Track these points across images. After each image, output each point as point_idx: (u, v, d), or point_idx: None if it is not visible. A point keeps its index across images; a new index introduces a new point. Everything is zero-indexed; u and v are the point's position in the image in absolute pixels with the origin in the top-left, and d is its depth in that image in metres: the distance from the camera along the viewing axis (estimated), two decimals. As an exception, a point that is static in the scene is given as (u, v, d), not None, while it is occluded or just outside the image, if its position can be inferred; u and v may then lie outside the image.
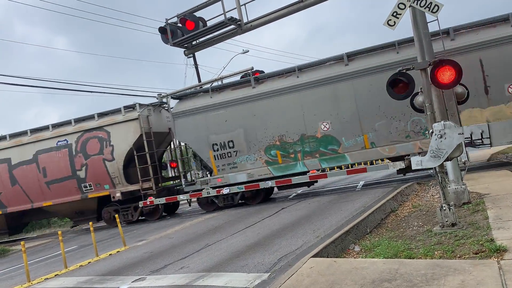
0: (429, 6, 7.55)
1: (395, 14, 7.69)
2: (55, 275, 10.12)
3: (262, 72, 17.72)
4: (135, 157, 17.73)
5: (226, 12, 13.26)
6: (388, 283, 5.11)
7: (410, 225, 8.44)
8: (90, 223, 13.16)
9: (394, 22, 7.68)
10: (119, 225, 13.10)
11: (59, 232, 11.59)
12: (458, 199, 9.01)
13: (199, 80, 27.49)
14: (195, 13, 13.67)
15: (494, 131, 8.25)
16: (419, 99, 8.55)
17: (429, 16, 8.53)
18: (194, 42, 14.53)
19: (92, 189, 18.43)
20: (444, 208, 7.35)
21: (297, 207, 13.74)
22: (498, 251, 5.59)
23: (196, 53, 25.89)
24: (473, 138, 8.33)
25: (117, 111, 18.35)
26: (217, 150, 16.42)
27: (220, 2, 13.28)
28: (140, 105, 18.04)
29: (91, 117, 18.54)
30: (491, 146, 8.29)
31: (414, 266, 5.56)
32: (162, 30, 13.87)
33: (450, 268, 5.23)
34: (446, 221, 7.34)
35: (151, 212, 18.37)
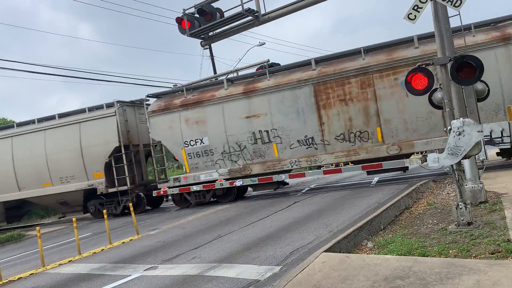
0: (451, 0, 7.38)
1: (416, 7, 7.54)
2: (69, 261, 10.27)
3: (278, 64, 17.64)
4: None
5: (244, 3, 13.17)
6: (401, 281, 5.05)
7: (425, 223, 8.33)
8: (104, 211, 13.28)
9: (415, 16, 7.53)
10: (132, 213, 13.22)
11: (74, 219, 11.75)
12: (475, 198, 8.86)
13: (215, 72, 27.49)
14: (212, 4, 13.62)
15: (516, 130, 8.08)
16: (438, 95, 8.39)
17: (450, 11, 8.36)
18: (210, 33, 14.49)
19: None
20: (460, 207, 7.23)
21: (310, 201, 13.70)
22: (516, 252, 5.48)
23: (212, 45, 25.90)
24: (493, 137, 8.13)
25: None
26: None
27: (238, -7, 13.20)
28: None
29: None
30: (511, 146, 8.07)
31: (428, 264, 5.48)
32: (179, 21, 13.85)
33: (465, 268, 5.14)
34: (462, 220, 7.22)
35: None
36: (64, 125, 19.31)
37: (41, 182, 19.67)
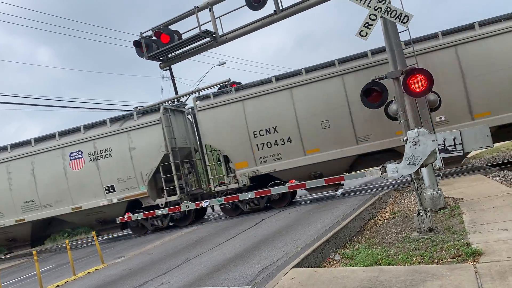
0: (399, 16, 7.75)
1: (366, 25, 7.85)
2: (31, 297, 9.81)
3: (239, 83, 17.80)
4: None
5: (201, 25, 13.29)
6: (369, 291, 5.14)
7: (389, 232, 8.53)
8: (67, 241, 12.83)
9: (366, 32, 7.84)
10: (96, 242, 12.83)
11: (34, 252, 11.27)
12: (435, 205, 9.17)
13: (176, 93, 27.40)
14: (170, 26, 13.67)
15: (466, 137, 8.42)
16: (393, 107, 8.72)
17: (400, 26, 8.75)
18: (169, 55, 14.50)
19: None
20: (421, 214, 7.47)
21: (278, 218, 13.73)
22: (474, 254, 5.70)
23: (173, 66, 25.85)
24: (446, 144, 8.51)
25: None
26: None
27: (195, 15, 13.32)
28: None
29: None
30: (463, 152, 8.46)
31: (394, 273, 5.61)
32: (137, 44, 13.80)
33: (428, 274, 5.30)
34: (424, 227, 7.45)
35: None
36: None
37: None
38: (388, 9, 7.75)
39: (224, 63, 31.17)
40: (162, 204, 16.96)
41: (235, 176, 16.22)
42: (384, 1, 7.75)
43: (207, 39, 13.53)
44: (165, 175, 16.87)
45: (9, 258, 21.60)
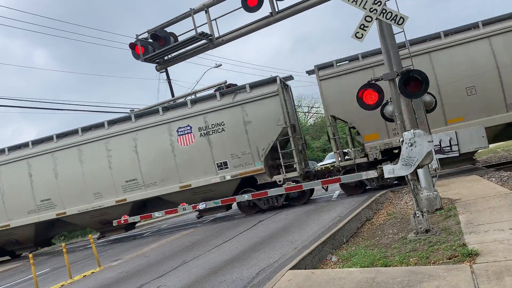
0: (395, 18, 7.77)
1: (362, 26, 7.87)
2: (27, 301, 9.77)
3: (235, 85, 17.81)
4: None
5: (197, 27, 13.30)
6: (366, 293, 5.14)
7: (386, 233, 8.55)
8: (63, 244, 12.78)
9: (362, 34, 7.85)
10: (92, 245, 12.79)
11: (30, 256, 11.22)
12: (431, 206, 9.20)
13: (172, 95, 27.37)
14: (165, 29, 13.67)
15: (462, 138, 8.47)
16: (389, 108, 8.74)
17: (395, 28, 8.78)
18: (165, 58, 14.49)
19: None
20: (418, 215, 7.48)
21: (275, 219, 13.73)
22: (470, 255, 5.71)
23: (169, 68, 25.79)
24: (442, 146, 8.55)
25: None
26: None
27: (191, 17, 13.33)
28: None
29: None
30: (459, 153, 8.49)
31: (391, 274, 5.61)
32: (133, 46, 13.79)
33: (425, 275, 5.31)
34: (420, 228, 7.47)
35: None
36: None
37: None
38: (384, 11, 7.77)
39: (221, 65, 31.20)
40: (280, 181, 15.75)
41: (361, 150, 15.28)
42: (379, 3, 7.78)
43: (203, 41, 13.53)
44: (282, 151, 15.94)
45: (5, 261, 21.52)
